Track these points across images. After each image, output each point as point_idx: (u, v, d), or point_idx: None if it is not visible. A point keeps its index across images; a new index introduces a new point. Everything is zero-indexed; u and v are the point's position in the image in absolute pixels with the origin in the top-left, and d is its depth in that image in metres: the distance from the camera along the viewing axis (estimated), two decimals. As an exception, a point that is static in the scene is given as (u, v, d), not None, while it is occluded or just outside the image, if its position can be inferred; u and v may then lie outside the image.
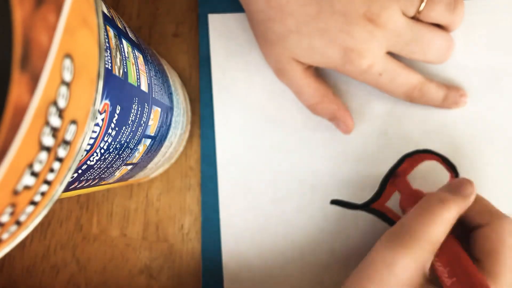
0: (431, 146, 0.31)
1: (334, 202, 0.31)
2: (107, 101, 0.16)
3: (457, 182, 0.26)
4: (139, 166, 0.25)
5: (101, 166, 0.19)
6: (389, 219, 0.30)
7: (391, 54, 0.29)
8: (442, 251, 0.23)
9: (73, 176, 0.17)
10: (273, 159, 0.32)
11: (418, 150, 0.31)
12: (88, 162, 0.17)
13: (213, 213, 0.31)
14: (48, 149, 0.11)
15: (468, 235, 0.25)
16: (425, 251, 0.23)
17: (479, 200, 0.25)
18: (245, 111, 0.32)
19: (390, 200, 0.31)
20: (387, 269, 0.23)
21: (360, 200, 0.31)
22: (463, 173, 0.30)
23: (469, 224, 0.25)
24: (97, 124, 0.16)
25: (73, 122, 0.12)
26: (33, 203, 0.12)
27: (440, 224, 0.23)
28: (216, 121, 0.32)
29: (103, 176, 0.20)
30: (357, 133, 0.32)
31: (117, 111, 0.17)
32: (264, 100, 0.32)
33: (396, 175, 0.31)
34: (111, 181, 0.22)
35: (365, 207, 0.31)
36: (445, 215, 0.23)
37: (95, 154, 0.17)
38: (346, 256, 0.30)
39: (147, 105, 0.21)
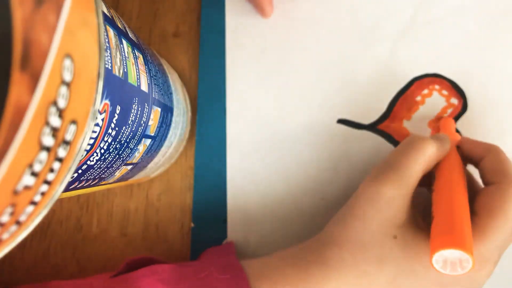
0: (439, 70, 0.31)
1: (341, 121, 0.31)
2: (107, 101, 0.16)
3: (437, 134, 0.27)
4: (139, 166, 0.25)
5: (101, 166, 0.19)
6: (395, 141, 0.30)
7: None
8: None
9: (73, 176, 0.17)
10: (282, 75, 0.32)
11: (427, 73, 0.31)
12: (88, 162, 0.17)
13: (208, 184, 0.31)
14: (48, 149, 0.11)
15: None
16: (407, 186, 0.23)
17: (497, 156, 0.24)
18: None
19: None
20: (371, 205, 0.23)
21: (367, 121, 0.31)
22: (470, 99, 0.30)
23: (481, 179, 0.25)
24: (97, 124, 0.16)
25: (73, 122, 0.12)
26: (33, 203, 0.12)
27: (420, 159, 0.23)
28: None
29: (103, 176, 0.20)
30: (367, 54, 0.32)
31: (117, 111, 0.17)
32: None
33: (404, 97, 0.31)
34: (111, 181, 0.22)
35: (372, 127, 0.31)
36: (425, 150, 0.24)
37: (95, 154, 0.17)
38: (348, 175, 0.31)
39: (147, 105, 0.21)
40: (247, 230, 0.30)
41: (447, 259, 0.20)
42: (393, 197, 0.23)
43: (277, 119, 0.32)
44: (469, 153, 0.26)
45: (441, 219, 0.21)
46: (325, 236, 0.25)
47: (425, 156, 0.24)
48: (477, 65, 0.31)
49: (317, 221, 0.30)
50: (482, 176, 0.25)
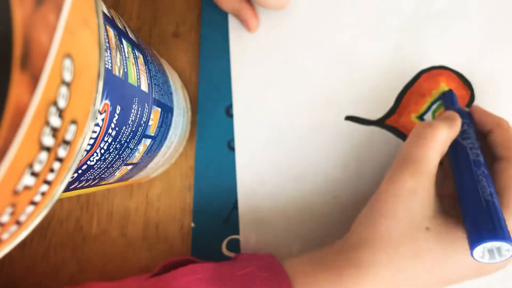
0: (446, 63, 0.31)
1: (349, 118, 0.31)
2: (107, 101, 0.16)
3: (443, 113, 0.27)
4: (139, 166, 0.25)
5: (101, 166, 0.19)
6: (404, 135, 0.30)
7: None
8: None
9: (73, 176, 0.17)
10: (287, 74, 0.32)
11: (434, 66, 0.31)
12: (88, 162, 0.17)
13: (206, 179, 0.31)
14: (48, 149, 0.11)
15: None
16: (427, 175, 0.23)
17: (506, 131, 0.25)
18: None
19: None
20: (396, 201, 0.23)
21: (375, 117, 0.31)
22: (477, 90, 0.30)
23: (493, 153, 0.25)
24: (97, 124, 0.16)
25: (73, 122, 0.12)
26: (33, 203, 0.12)
27: (435, 147, 0.24)
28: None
29: (103, 176, 0.20)
30: (373, 48, 0.32)
31: (117, 111, 0.17)
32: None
33: (412, 91, 0.31)
34: (111, 181, 0.22)
35: (380, 123, 0.31)
36: (437, 137, 0.24)
37: (95, 154, 0.17)
38: (358, 172, 0.30)
39: (147, 105, 0.21)
40: (259, 230, 0.30)
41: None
42: (416, 189, 0.23)
43: (285, 118, 0.32)
44: (479, 123, 0.27)
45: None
46: (353, 238, 0.24)
47: (438, 142, 0.24)
48: (483, 56, 0.31)
49: (329, 219, 0.30)
50: (492, 148, 0.25)
